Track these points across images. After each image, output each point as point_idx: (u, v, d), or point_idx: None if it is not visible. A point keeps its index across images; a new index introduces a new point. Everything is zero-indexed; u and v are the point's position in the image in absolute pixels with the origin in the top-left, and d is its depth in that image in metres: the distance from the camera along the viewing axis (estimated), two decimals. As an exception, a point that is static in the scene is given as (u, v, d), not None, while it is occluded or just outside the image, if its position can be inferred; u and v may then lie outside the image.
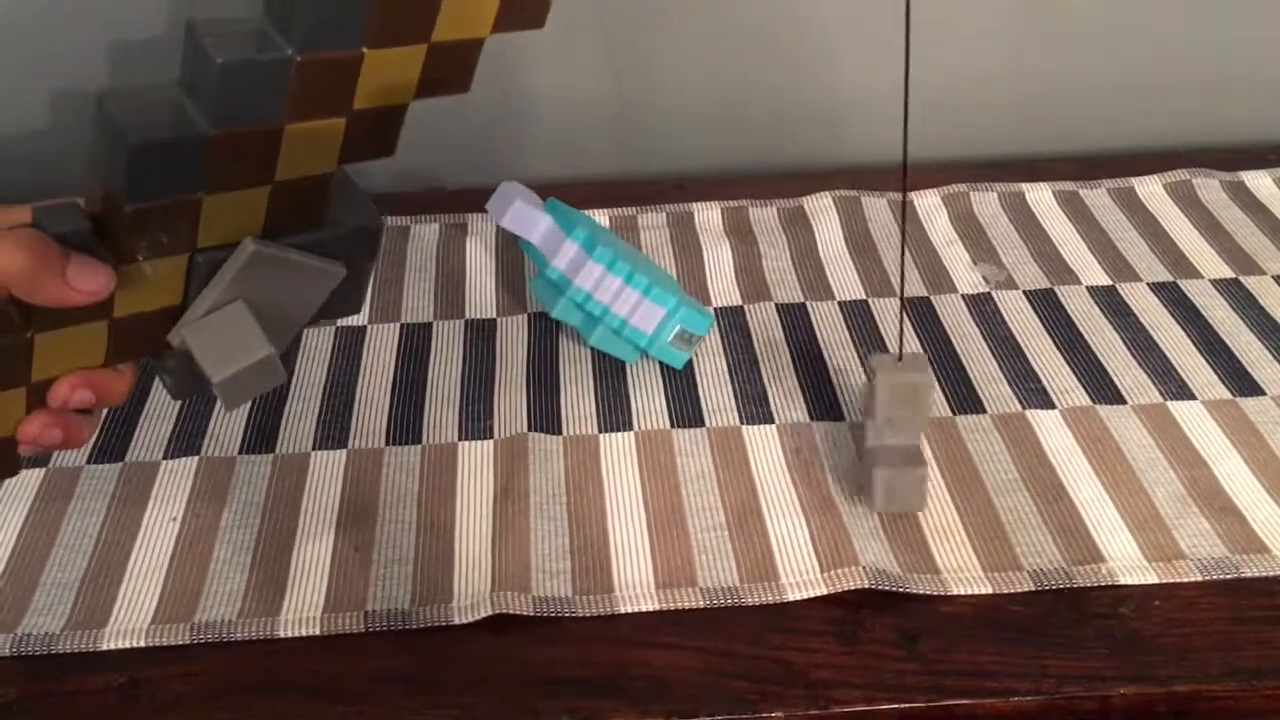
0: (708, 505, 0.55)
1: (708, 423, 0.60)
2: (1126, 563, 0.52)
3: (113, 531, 0.54)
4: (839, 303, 0.68)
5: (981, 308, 0.68)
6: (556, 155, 0.83)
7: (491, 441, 0.59)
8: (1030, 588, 0.51)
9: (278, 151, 0.38)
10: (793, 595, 0.50)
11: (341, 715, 0.46)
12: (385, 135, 0.41)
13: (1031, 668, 0.48)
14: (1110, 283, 0.70)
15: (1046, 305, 0.68)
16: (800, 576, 0.51)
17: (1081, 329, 0.66)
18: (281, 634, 0.49)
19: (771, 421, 0.60)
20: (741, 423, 0.60)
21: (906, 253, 0.72)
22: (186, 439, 0.59)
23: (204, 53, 0.35)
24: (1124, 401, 0.61)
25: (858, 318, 0.67)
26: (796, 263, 0.72)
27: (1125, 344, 0.65)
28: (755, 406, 0.61)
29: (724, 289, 0.69)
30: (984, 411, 0.60)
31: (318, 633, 0.49)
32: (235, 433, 0.59)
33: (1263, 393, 0.61)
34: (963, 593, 0.51)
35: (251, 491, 0.56)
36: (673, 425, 0.60)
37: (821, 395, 0.61)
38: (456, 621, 0.49)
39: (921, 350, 0.64)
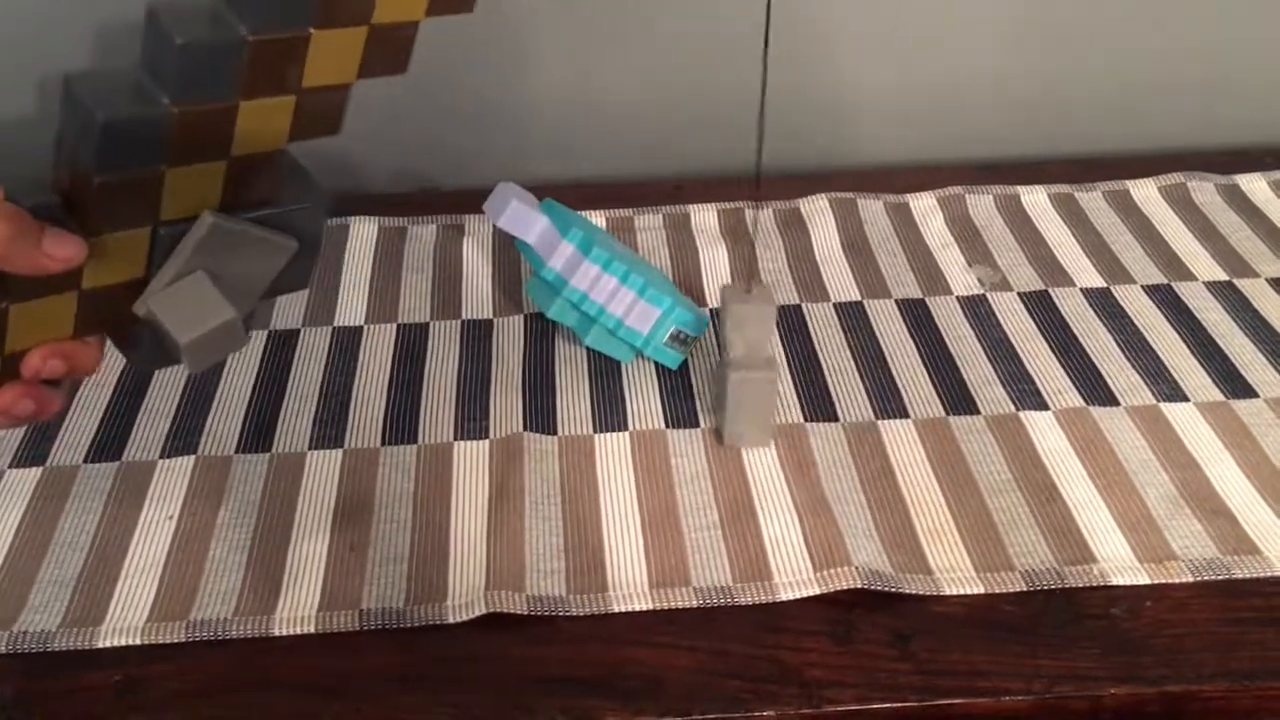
0: (701, 505, 0.55)
1: (702, 423, 0.60)
2: (1118, 563, 0.52)
3: (109, 530, 0.54)
4: (834, 304, 0.68)
5: (976, 309, 0.68)
6: (553, 157, 0.83)
7: (487, 441, 0.59)
8: (1023, 588, 0.51)
9: (234, 127, 0.42)
10: (786, 595, 0.51)
11: (337, 713, 0.46)
12: (331, 115, 0.44)
13: (1024, 668, 0.48)
14: (1105, 285, 0.70)
15: (1041, 307, 0.68)
16: (793, 576, 0.51)
17: (1075, 331, 0.66)
18: (277, 632, 0.49)
19: (766, 422, 0.60)
20: (736, 423, 0.60)
21: (902, 254, 0.73)
22: (183, 438, 0.59)
23: (165, 34, 0.39)
24: (1117, 403, 0.61)
25: (852, 319, 0.67)
26: (792, 264, 0.72)
27: (1119, 346, 0.65)
28: (750, 407, 0.61)
29: (720, 290, 0.69)
30: (978, 412, 0.60)
31: (313, 631, 0.50)
32: (232, 432, 0.59)
33: (1255, 395, 0.61)
34: (955, 593, 0.51)
35: (247, 491, 0.56)
36: (667, 425, 0.60)
37: (815, 396, 0.61)
38: (451, 620, 0.50)
39: (916, 351, 0.65)
